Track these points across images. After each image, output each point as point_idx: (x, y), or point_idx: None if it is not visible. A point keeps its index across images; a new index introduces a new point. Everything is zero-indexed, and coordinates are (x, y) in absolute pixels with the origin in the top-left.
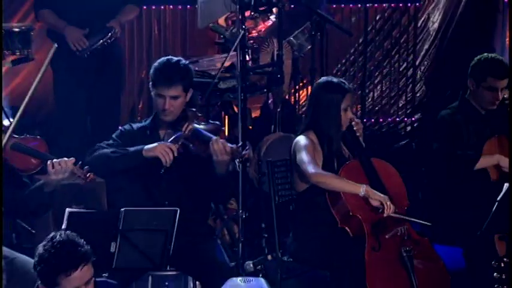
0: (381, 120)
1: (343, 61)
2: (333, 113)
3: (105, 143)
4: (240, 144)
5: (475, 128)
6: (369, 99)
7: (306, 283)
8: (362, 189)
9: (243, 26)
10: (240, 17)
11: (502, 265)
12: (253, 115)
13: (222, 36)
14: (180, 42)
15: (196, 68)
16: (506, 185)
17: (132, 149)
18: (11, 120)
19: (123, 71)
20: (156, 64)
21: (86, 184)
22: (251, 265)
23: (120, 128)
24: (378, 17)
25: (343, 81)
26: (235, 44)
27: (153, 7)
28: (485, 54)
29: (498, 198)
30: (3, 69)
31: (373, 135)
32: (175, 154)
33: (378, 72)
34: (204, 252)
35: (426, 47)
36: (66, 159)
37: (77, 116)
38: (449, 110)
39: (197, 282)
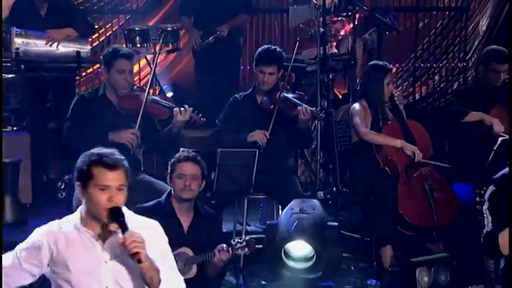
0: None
1: (412, 55)
2: (378, 86)
3: (218, 123)
4: (318, 108)
5: (484, 99)
6: (431, 82)
7: (359, 207)
8: (399, 142)
9: (323, 26)
10: (321, 19)
11: None
12: (343, 92)
13: (309, 33)
14: (293, 39)
15: (298, 57)
16: (500, 138)
17: (240, 136)
18: (171, 93)
19: (239, 58)
20: (260, 49)
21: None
22: (322, 194)
23: (230, 99)
24: (438, 24)
25: (387, 63)
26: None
27: (273, 14)
28: (491, 46)
29: (494, 148)
30: (166, 57)
31: (434, 109)
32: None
33: (438, 63)
34: (285, 183)
35: (476, 43)
36: (186, 106)
37: (206, 88)
38: (467, 85)
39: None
